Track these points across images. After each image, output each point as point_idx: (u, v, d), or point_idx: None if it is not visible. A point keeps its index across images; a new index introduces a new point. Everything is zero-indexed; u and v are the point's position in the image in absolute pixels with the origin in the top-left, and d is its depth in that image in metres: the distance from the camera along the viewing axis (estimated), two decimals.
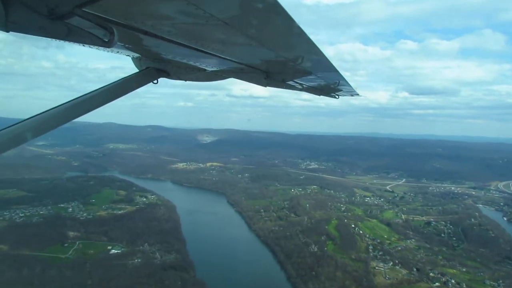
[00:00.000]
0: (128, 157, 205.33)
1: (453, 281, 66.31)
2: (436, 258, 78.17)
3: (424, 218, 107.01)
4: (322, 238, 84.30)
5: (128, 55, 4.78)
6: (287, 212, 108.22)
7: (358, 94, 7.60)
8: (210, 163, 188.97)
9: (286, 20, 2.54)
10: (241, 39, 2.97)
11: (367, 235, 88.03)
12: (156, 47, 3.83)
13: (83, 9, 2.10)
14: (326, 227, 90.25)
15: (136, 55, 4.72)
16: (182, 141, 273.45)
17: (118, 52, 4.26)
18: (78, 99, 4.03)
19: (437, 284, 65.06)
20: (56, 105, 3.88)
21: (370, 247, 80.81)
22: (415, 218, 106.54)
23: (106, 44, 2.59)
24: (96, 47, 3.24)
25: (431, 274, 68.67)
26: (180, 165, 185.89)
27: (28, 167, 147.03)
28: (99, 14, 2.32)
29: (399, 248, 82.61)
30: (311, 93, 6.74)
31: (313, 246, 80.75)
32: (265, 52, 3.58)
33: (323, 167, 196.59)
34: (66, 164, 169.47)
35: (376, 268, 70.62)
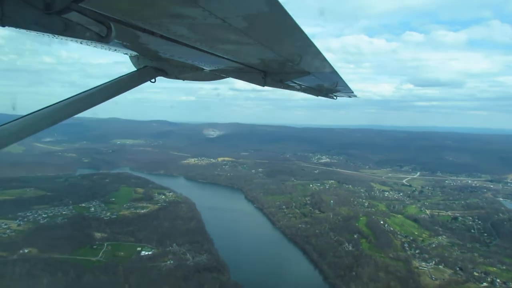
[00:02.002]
0: (138, 152, 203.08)
1: (498, 280, 64.79)
2: (472, 255, 76.60)
3: (449, 213, 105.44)
4: (355, 236, 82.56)
5: (126, 53, 4.62)
6: (310, 208, 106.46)
7: (355, 96, 7.70)
8: (222, 158, 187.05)
9: (286, 20, 2.55)
10: (239, 38, 2.92)
11: (398, 232, 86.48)
12: (154, 45, 3.74)
13: (80, 4, 2.08)
14: (356, 224, 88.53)
15: (134, 53, 4.59)
16: (189, 136, 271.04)
17: (115, 50, 4.07)
18: (77, 96, 4.00)
19: (484, 284, 63.54)
20: (56, 101, 3.83)
21: (405, 245, 79.28)
22: (440, 213, 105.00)
23: (103, 39, 2.61)
24: (94, 43, 3.17)
25: (475, 273, 67.14)
26: (192, 161, 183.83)
27: (40, 164, 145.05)
28: (97, 10, 2.32)
29: (434, 245, 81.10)
30: (309, 93, 6.69)
31: (346, 244, 79.12)
32: (264, 51, 3.56)
33: (335, 161, 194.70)
34: (77, 161, 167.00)
35: (420, 267, 68.96)
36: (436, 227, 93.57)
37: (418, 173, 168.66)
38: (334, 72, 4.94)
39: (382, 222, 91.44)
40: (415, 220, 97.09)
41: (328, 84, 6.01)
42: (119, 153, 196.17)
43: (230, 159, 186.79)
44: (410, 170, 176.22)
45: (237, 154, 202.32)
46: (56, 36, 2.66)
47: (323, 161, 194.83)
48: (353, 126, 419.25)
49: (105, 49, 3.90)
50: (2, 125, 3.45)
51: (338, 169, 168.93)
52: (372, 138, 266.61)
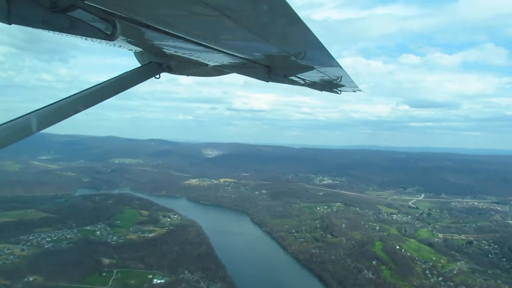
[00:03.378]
0: (137, 172, 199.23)
1: None
2: (496, 282, 74.33)
3: (462, 236, 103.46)
4: (373, 262, 79.84)
5: (130, 50, 4.59)
6: (322, 232, 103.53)
7: (360, 90, 7.55)
8: (224, 179, 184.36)
9: (289, 15, 2.55)
10: (243, 34, 2.93)
11: (416, 258, 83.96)
12: (159, 41, 3.75)
13: (86, 1, 2.12)
14: (373, 249, 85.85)
15: (139, 49, 4.57)
16: (188, 156, 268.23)
17: (120, 46, 4.12)
18: (82, 92, 3.95)
19: None
20: (59, 99, 3.82)
21: (427, 271, 76.74)
22: (453, 237, 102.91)
23: (108, 37, 2.64)
24: (99, 40, 3.19)
25: None
26: (193, 181, 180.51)
27: (38, 183, 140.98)
28: (102, 7, 2.34)
29: (455, 272, 78.66)
30: (313, 88, 6.63)
31: (366, 271, 76.25)
32: (268, 46, 3.57)
33: (337, 182, 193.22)
34: (76, 180, 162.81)
35: None
36: (453, 252, 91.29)
37: (423, 195, 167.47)
38: (338, 67, 4.88)
39: (398, 247, 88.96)
40: (430, 245, 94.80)
41: (332, 78, 5.91)
42: (118, 173, 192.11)
43: (232, 180, 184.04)
44: (414, 191, 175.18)
45: (238, 175, 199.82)
46: (62, 33, 2.64)
47: (325, 182, 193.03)
48: (350, 147, 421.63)
49: (110, 45, 3.77)
50: (10, 121, 3.42)
51: (343, 191, 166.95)
52: (371, 159, 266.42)
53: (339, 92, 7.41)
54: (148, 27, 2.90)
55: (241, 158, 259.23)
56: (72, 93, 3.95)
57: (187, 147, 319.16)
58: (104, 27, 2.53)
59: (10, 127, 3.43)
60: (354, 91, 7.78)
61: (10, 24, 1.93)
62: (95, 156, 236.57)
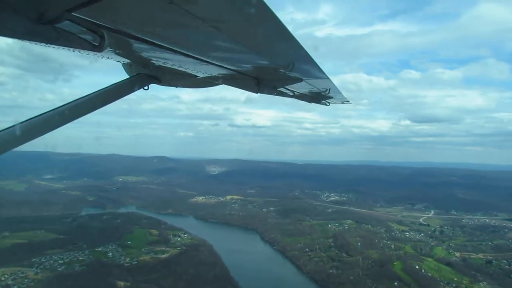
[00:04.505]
0: (142, 190, 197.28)
1: None
2: None
3: (480, 255, 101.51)
4: (395, 283, 77.84)
5: (118, 61, 4.56)
6: (336, 251, 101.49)
7: (348, 101, 7.70)
8: (230, 196, 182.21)
9: (278, 27, 2.58)
10: (232, 45, 2.98)
11: (438, 278, 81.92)
12: (147, 53, 3.75)
13: (73, 13, 2.10)
14: (393, 269, 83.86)
15: (127, 61, 4.53)
16: (191, 172, 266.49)
17: (108, 58, 4.11)
18: (70, 104, 3.89)
19: None
20: (48, 109, 3.75)
21: None
22: (470, 256, 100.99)
23: (96, 48, 2.63)
24: (87, 52, 3.16)
25: None
26: (199, 199, 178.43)
27: (45, 203, 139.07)
28: (90, 19, 2.34)
29: None
30: (302, 100, 6.72)
31: None
32: (257, 58, 3.61)
33: (344, 198, 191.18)
34: (82, 200, 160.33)
35: None
36: (473, 272, 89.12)
37: (432, 212, 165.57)
38: (326, 79, 4.99)
39: (417, 267, 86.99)
40: (449, 264, 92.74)
41: (321, 90, 6.03)
42: (123, 191, 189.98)
43: (238, 197, 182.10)
44: (423, 208, 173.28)
45: (244, 191, 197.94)
46: (50, 45, 2.65)
47: (332, 199, 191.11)
48: (352, 162, 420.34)
49: (98, 57, 3.78)
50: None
51: (351, 208, 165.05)
52: (376, 174, 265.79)
53: (328, 104, 7.50)
54: (137, 38, 2.82)
55: (245, 174, 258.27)
56: (59, 105, 3.82)
57: (190, 163, 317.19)
58: (91, 39, 2.51)
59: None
60: (343, 103, 7.85)
61: None
62: (99, 174, 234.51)
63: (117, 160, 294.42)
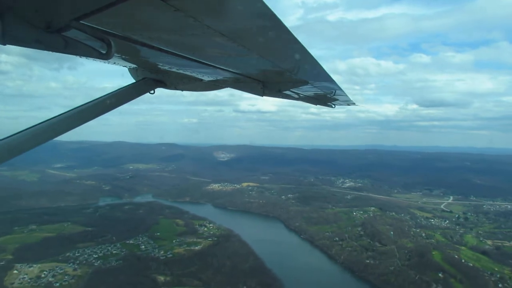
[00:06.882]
0: (155, 178, 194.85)
1: None
2: None
3: None
4: (440, 274, 76.04)
5: (124, 66, 4.62)
6: (369, 240, 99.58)
7: (354, 103, 7.61)
8: (246, 184, 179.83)
9: (282, 31, 2.63)
10: (237, 50, 3.00)
11: (480, 269, 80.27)
12: (153, 58, 3.83)
13: (80, 21, 2.13)
14: (435, 260, 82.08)
15: (133, 66, 4.57)
16: (200, 159, 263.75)
17: (114, 63, 4.17)
18: (77, 109, 3.95)
19: None
20: (54, 115, 3.80)
21: (499, 285, 72.99)
22: (504, 244, 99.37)
23: (103, 56, 2.67)
24: (94, 59, 3.23)
25: None
26: (215, 186, 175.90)
27: (60, 193, 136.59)
28: (96, 26, 2.37)
29: None
30: (307, 102, 6.68)
31: (435, 285, 72.36)
32: (262, 62, 3.65)
33: (360, 184, 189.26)
34: (97, 189, 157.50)
35: None
36: (511, 261, 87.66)
37: (451, 197, 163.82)
38: (331, 81, 4.95)
39: (456, 257, 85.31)
40: (484, 253, 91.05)
41: (326, 92, 5.93)
42: (137, 179, 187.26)
43: (254, 184, 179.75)
44: (441, 194, 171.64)
45: (257, 178, 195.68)
46: (57, 53, 2.71)
47: (348, 185, 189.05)
48: (358, 147, 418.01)
49: (105, 63, 3.86)
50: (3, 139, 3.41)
51: (370, 194, 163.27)
52: (386, 159, 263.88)
53: (333, 106, 7.40)
54: (143, 44, 2.88)
55: (254, 160, 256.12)
56: (67, 110, 3.84)
57: (198, 150, 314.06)
58: (99, 46, 2.53)
59: (6, 143, 3.38)
60: (348, 105, 7.70)
61: (4, 44, 1.90)
62: (108, 162, 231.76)
63: (124, 148, 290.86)
